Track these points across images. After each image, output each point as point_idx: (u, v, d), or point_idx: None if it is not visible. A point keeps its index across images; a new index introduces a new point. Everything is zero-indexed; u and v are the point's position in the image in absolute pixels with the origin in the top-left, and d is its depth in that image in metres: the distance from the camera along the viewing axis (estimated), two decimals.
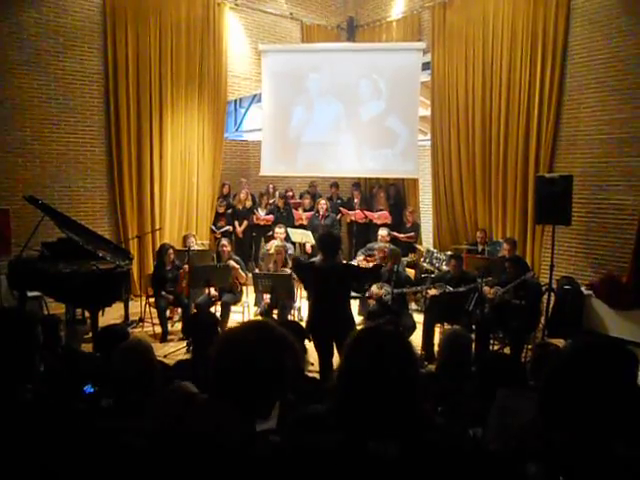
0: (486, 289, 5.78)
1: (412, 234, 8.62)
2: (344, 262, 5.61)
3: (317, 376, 4.31)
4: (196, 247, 7.85)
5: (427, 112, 9.24)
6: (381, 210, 8.98)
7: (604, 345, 1.65)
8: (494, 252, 7.68)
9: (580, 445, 1.54)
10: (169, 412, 1.51)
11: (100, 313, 5.96)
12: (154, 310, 6.74)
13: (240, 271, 6.77)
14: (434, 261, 7.71)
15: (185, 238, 7.75)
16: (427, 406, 2.55)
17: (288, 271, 6.48)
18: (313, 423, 1.50)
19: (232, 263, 6.69)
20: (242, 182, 9.40)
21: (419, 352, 5.88)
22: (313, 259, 7.44)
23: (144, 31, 8.20)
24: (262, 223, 8.98)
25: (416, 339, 5.92)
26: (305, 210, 9.11)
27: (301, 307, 7.05)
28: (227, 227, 8.98)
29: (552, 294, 6.40)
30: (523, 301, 5.52)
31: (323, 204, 8.71)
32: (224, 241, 7.14)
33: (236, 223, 9.04)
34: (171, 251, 6.84)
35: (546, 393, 1.68)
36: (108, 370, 2.50)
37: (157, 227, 8.45)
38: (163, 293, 6.63)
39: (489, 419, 2.18)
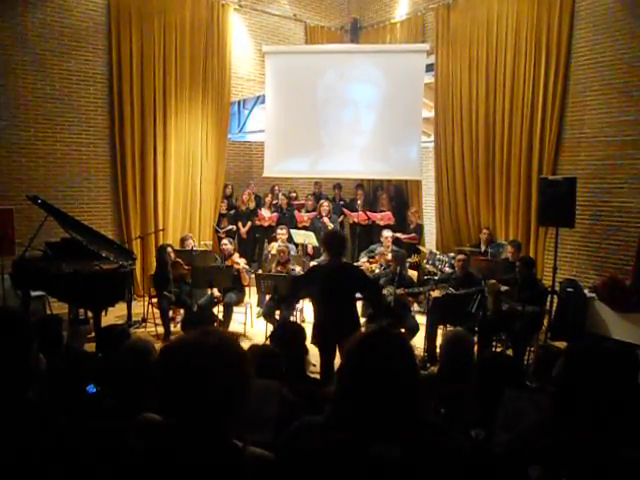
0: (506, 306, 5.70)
1: (413, 235, 8.61)
2: (354, 265, 5.54)
3: (318, 377, 4.30)
4: (197, 248, 7.85)
5: (430, 114, 9.23)
6: (383, 211, 8.98)
7: (609, 349, 1.65)
8: (497, 254, 7.67)
9: (584, 446, 1.54)
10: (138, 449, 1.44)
11: (103, 313, 5.98)
12: (157, 310, 6.75)
13: (245, 273, 6.79)
14: (436, 263, 7.71)
15: (183, 240, 7.69)
16: (429, 408, 2.54)
17: (296, 270, 6.55)
18: (312, 429, 1.48)
19: (241, 264, 6.75)
20: (250, 185, 9.42)
21: (421, 354, 5.87)
22: (314, 261, 7.51)
23: (148, 32, 8.22)
24: (266, 224, 8.99)
25: (418, 341, 5.93)
26: (308, 211, 9.11)
27: (303, 308, 7.05)
28: (230, 226, 8.98)
29: (555, 296, 6.39)
30: (528, 307, 5.49)
31: (325, 206, 8.72)
32: (224, 240, 7.19)
33: (239, 224, 9.05)
34: (170, 249, 6.84)
35: (557, 396, 1.68)
36: (108, 369, 2.50)
37: (160, 228, 8.47)
38: (165, 292, 6.62)
39: (496, 419, 2.17)
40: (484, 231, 8.07)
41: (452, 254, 7.49)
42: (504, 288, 5.79)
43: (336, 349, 4.33)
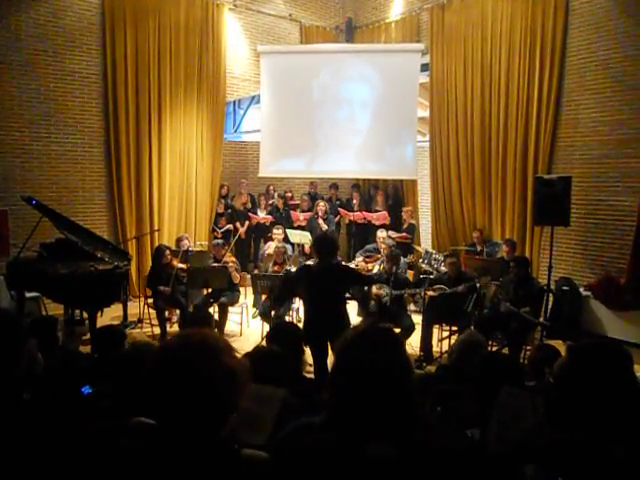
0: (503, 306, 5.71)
1: (404, 234, 8.59)
2: (342, 264, 5.57)
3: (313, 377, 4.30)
4: (194, 248, 7.82)
5: (426, 113, 9.24)
6: (379, 211, 8.98)
7: (604, 346, 1.66)
8: (492, 253, 7.69)
9: (579, 445, 1.54)
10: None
11: (99, 314, 5.96)
12: (153, 311, 6.73)
13: (235, 272, 6.75)
14: (432, 262, 7.72)
15: (179, 240, 7.63)
16: (425, 407, 2.55)
17: (292, 270, 6.53)
18: (308, 429, 1.47)
19: (231, 263, 6.71)
20: (242, 183, 9.40)
21: (418, 353, 5.88)
22: (310, 261, 7.50)
23: (143, 32, 8.19)
24: (262, 221, 8.98)
25: (414, 340, 5.93)
26: (303, 211, 9.10)
27: (299, 308, 7.04)
28: (228, 226, 8.95)
29: (550, 295, 6.41)
30: (526, 308, 5.50)
31: (322, 206, 8.72)
32: (214, 241, 7.28)
33: (237, 224, 9.02)
34: (168, 252, 6.82)
35: (552, 395, 1.68)
36: (105, 370, 2.49)
37: (155, 228, 8.43)
38: (160, 288, 6.55)
39: (491, 417, 2.17)
40: (474, 234, 8.09)
41: (447, 253, 7.51)
42: (494, 287, 5.80)
43: (327, 349, 4.34)
